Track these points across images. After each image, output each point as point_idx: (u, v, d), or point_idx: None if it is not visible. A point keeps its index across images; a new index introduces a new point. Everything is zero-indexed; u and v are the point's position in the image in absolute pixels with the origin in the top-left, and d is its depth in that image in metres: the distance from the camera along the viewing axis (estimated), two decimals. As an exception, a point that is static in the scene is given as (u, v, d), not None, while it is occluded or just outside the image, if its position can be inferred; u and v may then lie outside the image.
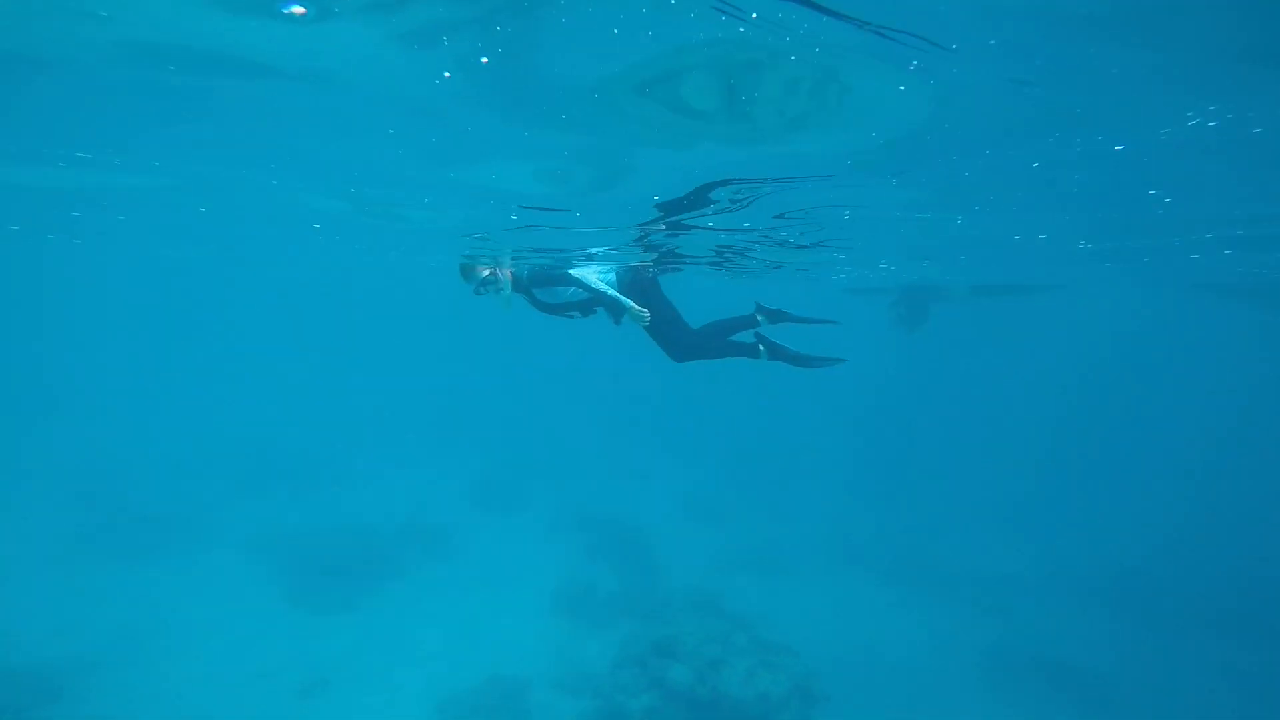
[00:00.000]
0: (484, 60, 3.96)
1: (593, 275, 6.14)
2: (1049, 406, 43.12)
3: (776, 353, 5.92)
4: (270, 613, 13.10)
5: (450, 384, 40.62)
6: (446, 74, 4.21)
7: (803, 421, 37.85)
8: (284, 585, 14.00)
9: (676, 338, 6.10)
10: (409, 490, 20.55)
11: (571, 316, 6.32)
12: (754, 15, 3.21)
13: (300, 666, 11.42)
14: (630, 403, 40.19)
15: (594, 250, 9.60)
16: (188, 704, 10.27)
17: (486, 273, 6.08)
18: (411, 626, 13.16)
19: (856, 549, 18.40)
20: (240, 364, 41.77)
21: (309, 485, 20.06)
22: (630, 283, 6.34)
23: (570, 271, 6.14)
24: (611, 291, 5.90)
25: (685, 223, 7.83)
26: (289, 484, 19.76)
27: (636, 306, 5.78)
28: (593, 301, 6.10)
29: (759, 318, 6.27)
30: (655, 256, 10.12)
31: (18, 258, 21.80)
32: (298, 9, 3.48)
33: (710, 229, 8.23)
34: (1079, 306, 22.96)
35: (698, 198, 6.79)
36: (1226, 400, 33.99)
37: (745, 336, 6.18)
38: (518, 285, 6.20)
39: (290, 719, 10.18)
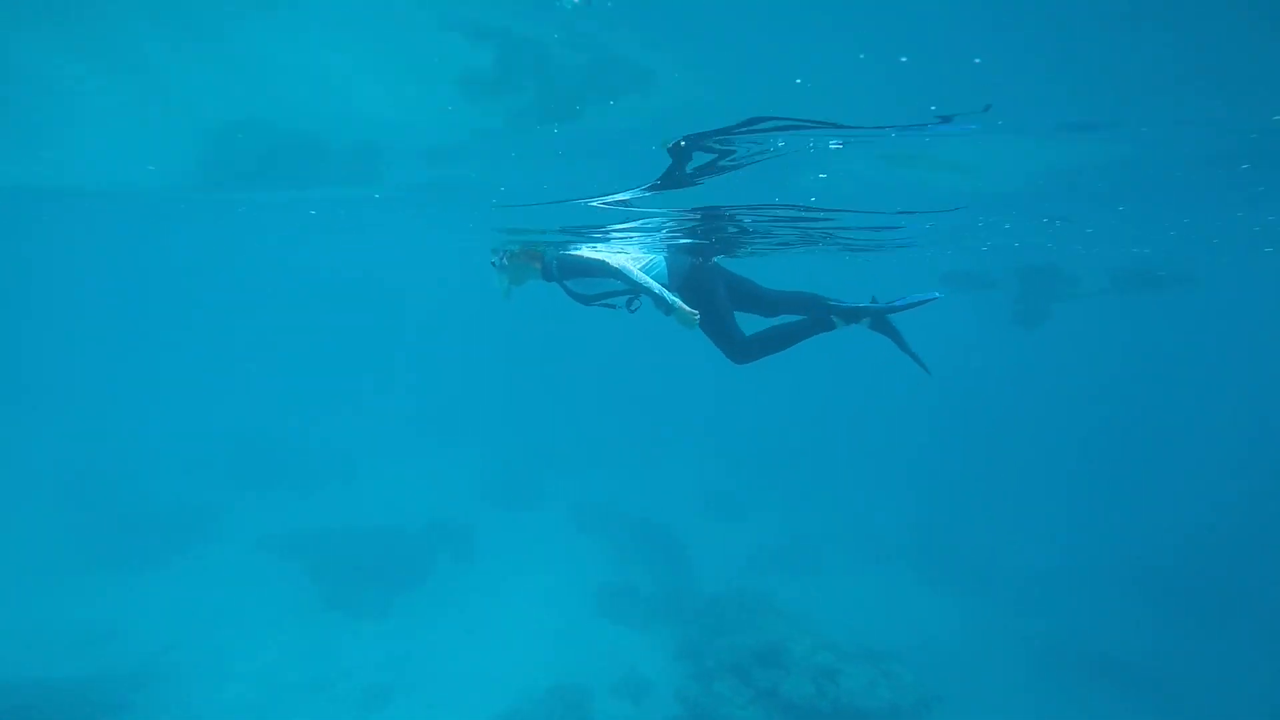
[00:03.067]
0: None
1: (631, 263, 5.25)
2: (1093, 398, 40.48)
3: (852, 316, 5.05)
4: (308, 618, 12.23)
5: (459, 376, 38.74)
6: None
7: (826, 413, 36.64)
8: (315, 589, 13.11)
9: (737, 336, 5.25)
10: (423, 486, 19.49)
11: (613, 307, 5.47)
12: None
13: (353, 676, 10.57)
14: (646, 391, 38.68)
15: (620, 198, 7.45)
16: (253, 717, 9.49)
17: (499, 258, 5.53)
18: (455, 632, 12.39)
19: (890, 546, 17.83)
20: (240, 357, 39.28)
21: (317, 482, 19.00)
22: (686, 273, 5.45)
23: (608, 261, 5.20)
24: (656, 286, 5.00)
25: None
26: (296, 482, 18.69)
27: (685, 307, 4.87)
28: (634, 294, 5.28)
29: (834, 320, 5.19)
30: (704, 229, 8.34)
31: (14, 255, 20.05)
32: None
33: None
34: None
35: None
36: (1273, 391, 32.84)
37: (815, 309, 5.24)
38: (548, 275, 5.44)
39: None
